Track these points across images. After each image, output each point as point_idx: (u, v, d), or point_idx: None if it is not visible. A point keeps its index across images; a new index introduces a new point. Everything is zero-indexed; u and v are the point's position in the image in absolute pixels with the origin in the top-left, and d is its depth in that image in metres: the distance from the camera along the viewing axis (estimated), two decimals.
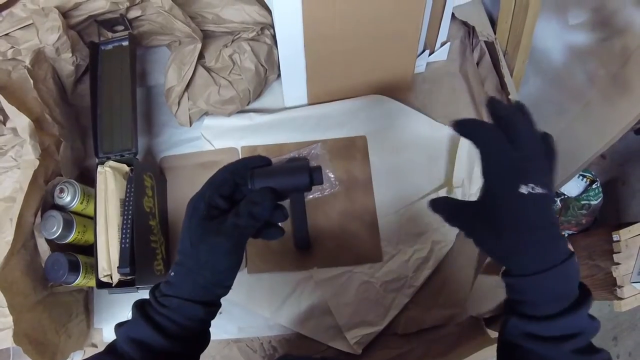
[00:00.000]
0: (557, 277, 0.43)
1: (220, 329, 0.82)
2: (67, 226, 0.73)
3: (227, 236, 0.48)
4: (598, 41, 0.99)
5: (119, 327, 0.50)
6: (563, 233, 1.80)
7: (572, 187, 1.73)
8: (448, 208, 0.50)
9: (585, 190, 1.72)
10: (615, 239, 1.45)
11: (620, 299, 1.45)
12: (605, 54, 0.98)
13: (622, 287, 1.44)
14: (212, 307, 0.52)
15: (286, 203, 0.86)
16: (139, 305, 0.51)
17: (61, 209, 0.75)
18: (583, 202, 1.70)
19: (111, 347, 0.50)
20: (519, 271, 0.45)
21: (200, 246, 0.49)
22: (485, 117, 0.90)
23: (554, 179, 0.47)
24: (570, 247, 0.46)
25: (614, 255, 1.45)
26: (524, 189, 0.43)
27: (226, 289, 0.52)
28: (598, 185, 1.72)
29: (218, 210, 0.50)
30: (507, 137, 0.45)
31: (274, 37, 0.87)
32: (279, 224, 0.55)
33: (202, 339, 0.54)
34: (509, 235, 0.44)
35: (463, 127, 0.48)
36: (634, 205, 1.87)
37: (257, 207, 0.49)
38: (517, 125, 0.46)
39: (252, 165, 0.52)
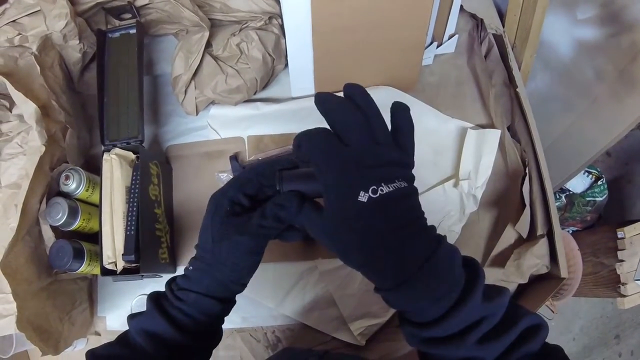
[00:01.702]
0: (426, 278, 0.38)
1: None
2: (72, 213, 0.73)
3: (251, 235, 0.48)
4: (606, 36, 0.99)
5: (132, 318, 0.50)
6: (567, 230, 1.80)
7: (578, 184, 1.72)
8: (308, 218, 0.45)
9: (591, 186, 1.71)
10: (620, 236, 1.44)
11: (624, 296, 1.44)
12: (613, 49, 0.98)
13: (626, 284, 1.43)
14: (228, 304, 0.52)
15: None
16: (154, 298, 0.50)
17: (66, 196, 0.75)
18: (588, 199, 1.70)
19: (123, 338, 0.50)
20: (382, 284, 0.41)
21: (222, 243, 0.49)
22: (492, 111, 0.89)
23: (411, 160, 0.41)
24: (439, 233, 0.39)
25: (618, 253, 1.44)
26: (363, 196, 0.38)
27: (243, 286, 0.52)
28: (604, 182, 1.71)
29: (241, 207, 0.50)
30: (340, 136, 0.40)
31: (281, 26, 0.87)
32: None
33: (216, 334, 0.54)
34: (359, 251, 0.40)
35: (300, 145, 0.41)
36: (639, 204, 1.87)
37: (284, 211, 0.47)
38: (345, 118, 0.40)
39: (279, 167, 0.51)
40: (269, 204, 0.48)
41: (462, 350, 0.38)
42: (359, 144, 0.39)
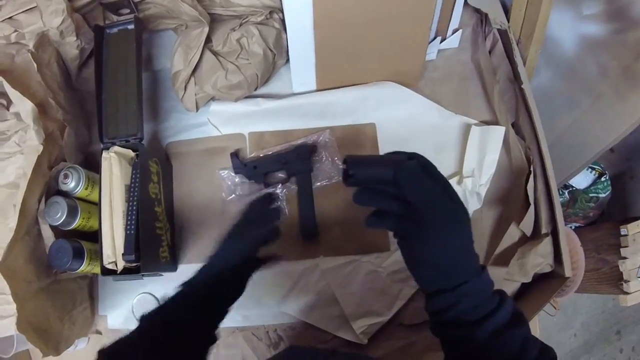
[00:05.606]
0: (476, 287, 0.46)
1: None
2: (72, 212, 0.72)
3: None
4: (612, 33, 0.97)
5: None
6: (570, 226, 1.79)
7: (581, 180, 1.71)
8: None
9: (594, 182, 1.70)
10: (623, 233, 1.43)
11: (627, 293, 1.44)
12: (618, 46, 0.96)
13: (629, 281, 1.43)
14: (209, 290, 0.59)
15: (294, 190, 0.85)
16: None
17: (65, 194, 0.74)
18: (591, 195, 1.68)
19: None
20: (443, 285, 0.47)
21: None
22: (497, 107, 0.88)
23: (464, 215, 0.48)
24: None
25: (621, 250, 1.43)
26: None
27: (227, 290, 0.62)
28: (607, 178, 1.70)
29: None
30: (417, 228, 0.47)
31: (282, 21, 0.85)
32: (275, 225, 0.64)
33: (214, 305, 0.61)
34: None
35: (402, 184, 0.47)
36: None
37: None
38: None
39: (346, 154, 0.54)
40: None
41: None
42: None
